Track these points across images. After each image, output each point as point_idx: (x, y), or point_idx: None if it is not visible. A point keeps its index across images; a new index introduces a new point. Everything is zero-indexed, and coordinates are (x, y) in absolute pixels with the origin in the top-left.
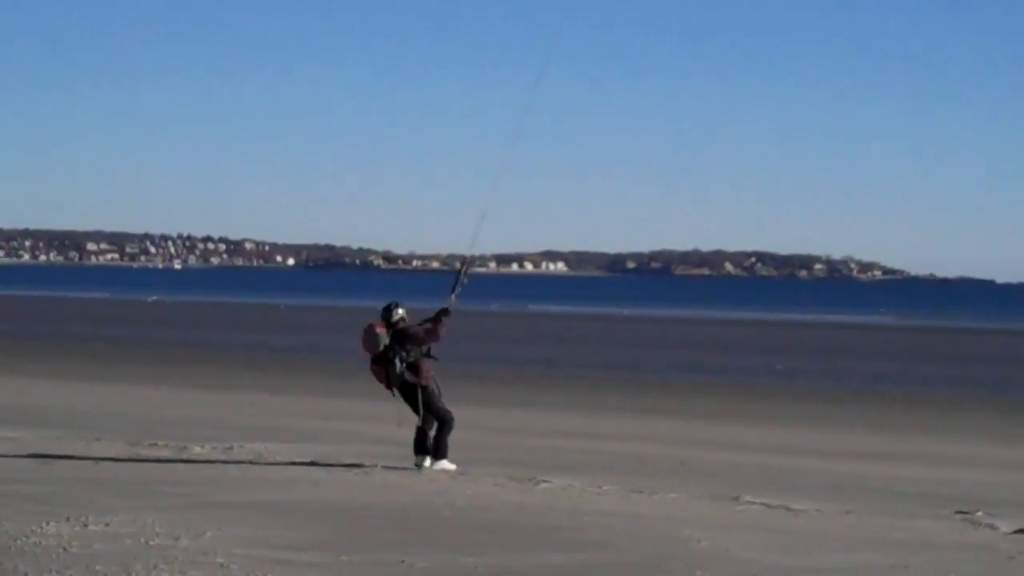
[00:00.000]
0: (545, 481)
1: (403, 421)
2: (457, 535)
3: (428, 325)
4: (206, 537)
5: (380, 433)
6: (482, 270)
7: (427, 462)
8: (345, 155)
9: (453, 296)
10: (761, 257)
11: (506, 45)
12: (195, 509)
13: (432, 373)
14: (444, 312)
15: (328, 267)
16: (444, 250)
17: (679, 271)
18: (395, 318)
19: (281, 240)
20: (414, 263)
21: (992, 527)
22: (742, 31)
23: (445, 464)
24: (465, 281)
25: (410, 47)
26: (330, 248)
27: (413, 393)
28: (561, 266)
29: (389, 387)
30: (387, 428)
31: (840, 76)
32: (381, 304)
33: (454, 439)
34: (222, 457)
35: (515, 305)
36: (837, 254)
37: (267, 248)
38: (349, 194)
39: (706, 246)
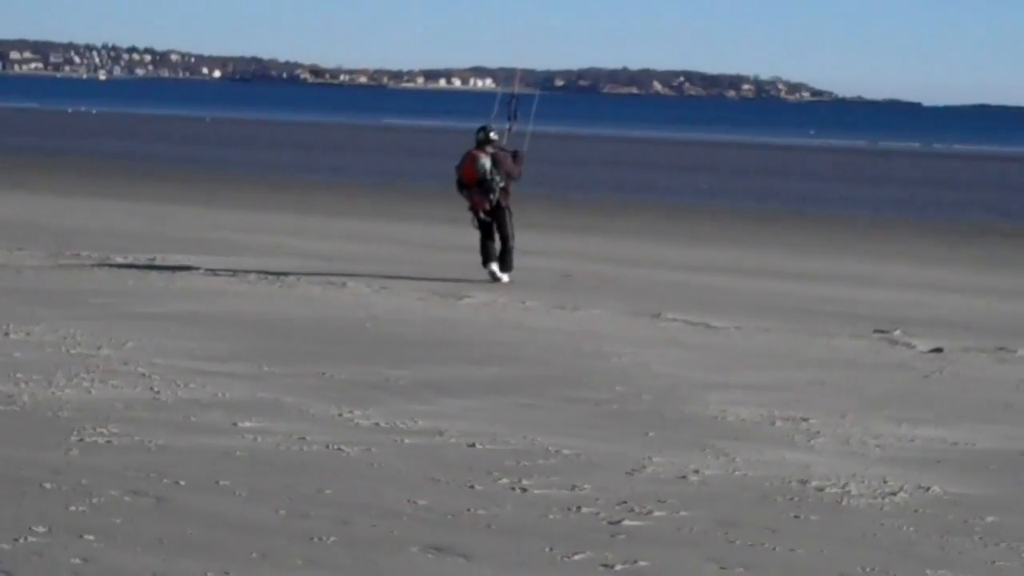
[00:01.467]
0: (468, 296)
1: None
2: (378, 347)
3: (512, 162)
4: (127, 347)
5: (306, 248)
6: (410, 85)
7: (496, 269)
8: None
9: (508, 133)
10: (689, 76)
11: None
12: (117, 319)
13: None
14: (517, 154)
15: (255, 80)
16: (371, 65)
17: (608, 89)
18: (493, 139)
19: (207, 52)
20: (341, 77)
21: (909, 346)
22: None
23: (507, 277)
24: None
25: None
26: (257, 61)
27: (501, 214)
28: (489, 83)
29: (479, 212)
30: (314, 242)
31: None
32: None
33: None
34: (145, 268)
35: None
36: (765, 75)
37: (193, 60)
38: (276, 5)
39: (635, 65)
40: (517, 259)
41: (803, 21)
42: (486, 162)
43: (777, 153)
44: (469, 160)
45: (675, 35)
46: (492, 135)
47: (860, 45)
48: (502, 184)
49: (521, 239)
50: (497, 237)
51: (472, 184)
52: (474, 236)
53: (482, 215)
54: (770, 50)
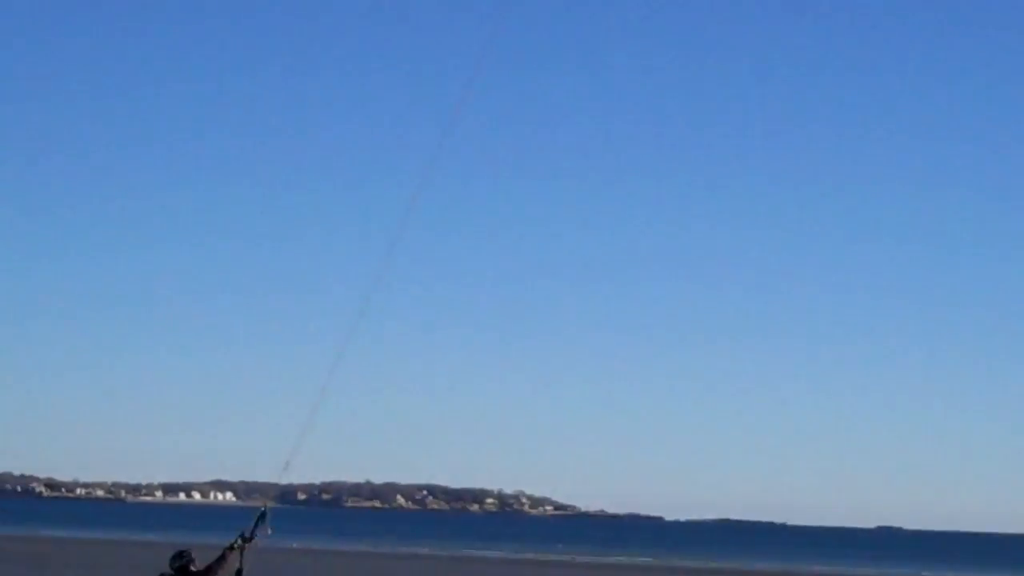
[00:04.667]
0: None
1: None
2: None
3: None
4: None
5: None
6: (149, 499)
7: None
8: None
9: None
10: (432, 490)
11: None
12: None
13: None
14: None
15: None
16: (108, 478)
17: (350, 503)
18: (191, 570)
19: None
20: (78, 491)
21: None
22: None
23: None
24: (269, 532)
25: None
26: None
27: None
28: (230, 496)
29: None
30: None
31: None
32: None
33: None
34: None
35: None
36: (509, 488)
37: None
38: (6, 416)
39: (378, 478)
40: None
41: (546, 436)
42: None
43: (523, 567)
44: None
45: (418, 449)
46: (192, 567)
47: (602, 459)
48: None
49: None
50: None
51: None
52: None
53: None
54: (513, 464)
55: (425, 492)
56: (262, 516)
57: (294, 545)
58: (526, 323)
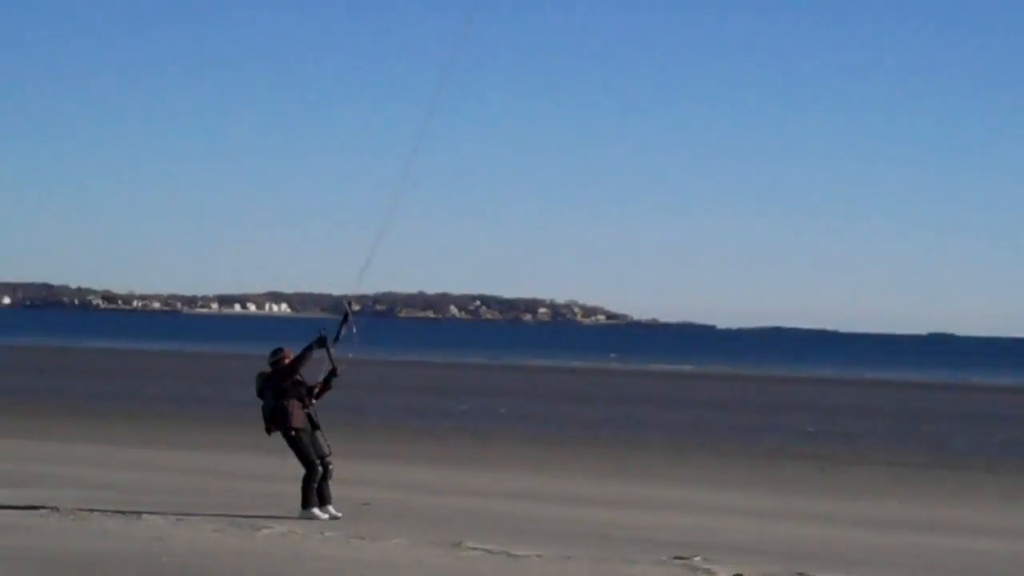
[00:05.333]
0: (266, 527)
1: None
2: None
3: (282, 380)
4: None
5: (103, 478)
6: (204, 311)
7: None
8: (57, 192)
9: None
10: (485, 300)
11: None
12: None
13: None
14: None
15: (46, 306)
16: (164, 290)
17: (404, 314)
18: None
19: None
20: (134, 303)
21: (709, 572)
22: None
23: (325, 514)
24: (353, 330)
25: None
26: (47, 287)
27: (291, 442)
28: (285, 308)
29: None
30: (111, 473)
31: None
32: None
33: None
34: None
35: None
36: (561, 298)
37: None
38: (66, 230)
39: (431, 289)
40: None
41: (597, 245)
42: (258, 381)
43: (575, 376)
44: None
45: (470, 260)
46: (284, 361)
47: (654, 268)
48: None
49: None
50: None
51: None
52: (273, 463)
53: (292, 432)
54: (565, 274)
55: (478, 302)
56: (345, 318)
57: (349, 355)
58: (580, 141)
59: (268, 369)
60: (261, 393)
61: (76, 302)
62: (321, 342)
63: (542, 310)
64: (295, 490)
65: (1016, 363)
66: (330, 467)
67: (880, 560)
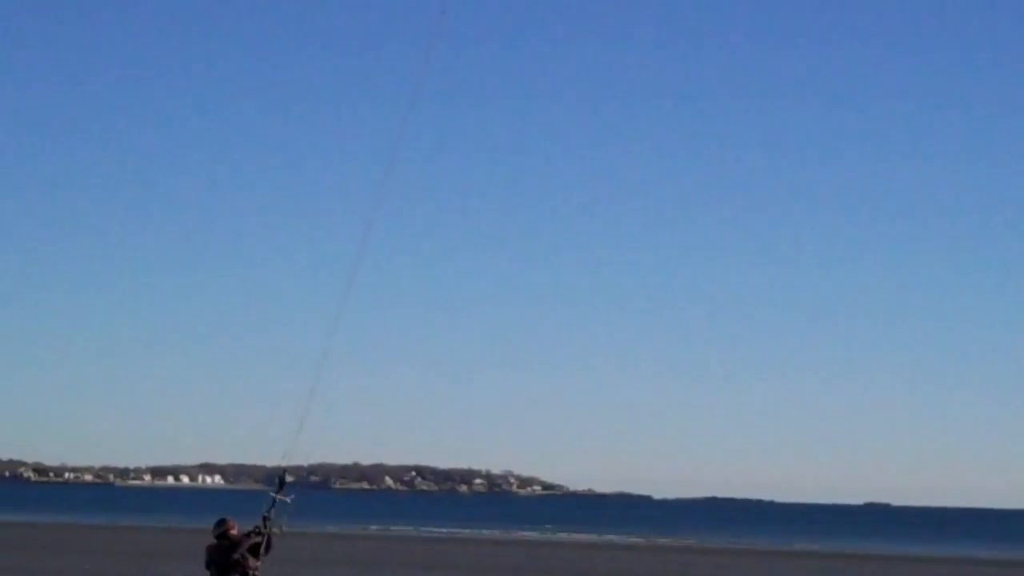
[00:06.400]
0: None
1: None
2: None
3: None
4: None
5: None
6: (137, 483)
7: None
8: None
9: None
10: (421, 471)
11: None
12: None
13: None
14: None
15: None
16: (97, 462)
17: (339, 485)
18: (231, 535)
19: None
20: (66, 475)
21: None
22: None
23: None
24: (288, 500)
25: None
26: None
27: None
28: (219, 479)
29: None
30: None
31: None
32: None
33: None
34: None
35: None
36: (496, 468)
37: None
38: None
39: (365, 460)
40: None
41: (534, 417)
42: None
43: (503, 547)
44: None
45: (407, 430)
46: (232, 532)
47: (589, 439)
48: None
49: None
50: None
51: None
52: None
53: None
54: (500, 443)
55: (414, 473)
56: (281, 483)
57: (283, 524)
58: (512, 304)
59: (214, 542)
60: (208, 566)
61: (7, 474)
62: (261, 529)
63: (478, 481)
64: None
65: (952, 534)
66: None
67: None
